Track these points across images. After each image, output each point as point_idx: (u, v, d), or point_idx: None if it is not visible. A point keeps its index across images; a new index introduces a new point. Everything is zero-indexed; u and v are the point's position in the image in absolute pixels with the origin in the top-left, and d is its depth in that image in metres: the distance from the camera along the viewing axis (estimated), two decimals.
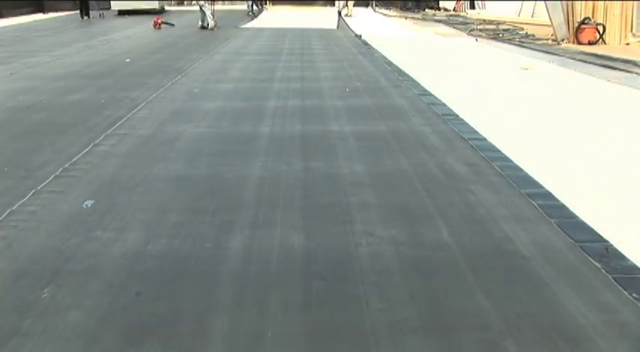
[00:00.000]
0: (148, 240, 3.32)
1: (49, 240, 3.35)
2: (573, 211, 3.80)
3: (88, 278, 2.92)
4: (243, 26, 18.04)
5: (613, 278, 2.93)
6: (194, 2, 17.52)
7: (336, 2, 23.28)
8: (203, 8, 16.93)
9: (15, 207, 3.81)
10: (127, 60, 10.53)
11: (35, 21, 20.39)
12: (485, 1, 24.91)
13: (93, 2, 21.18)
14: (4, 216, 3.67)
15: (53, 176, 4.39)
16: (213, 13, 17.05)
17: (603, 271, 3.00)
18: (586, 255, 3.18)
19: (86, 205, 3.84)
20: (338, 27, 18.02)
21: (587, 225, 3.60)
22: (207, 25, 16.85)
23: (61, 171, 4.51)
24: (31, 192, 4.05)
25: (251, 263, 3.08)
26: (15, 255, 3.18)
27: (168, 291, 2.81)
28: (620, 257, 3.17)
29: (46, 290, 2.80)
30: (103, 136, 5.47)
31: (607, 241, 3.36)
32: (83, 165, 4.68)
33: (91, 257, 3.14)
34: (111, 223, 3.56)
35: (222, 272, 2.99)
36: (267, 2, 25.76)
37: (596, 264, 3.08)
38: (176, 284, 2.87)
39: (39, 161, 4.79)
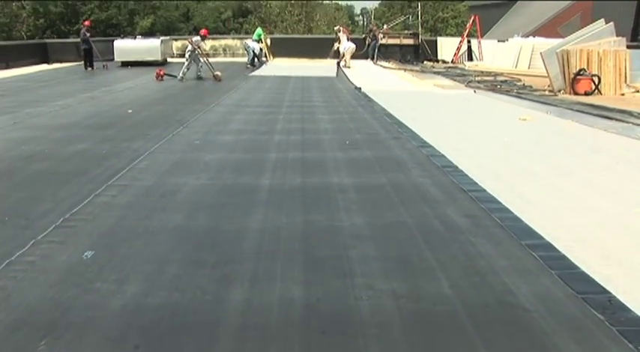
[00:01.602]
0: (147, 293, 3.30)
1: (48, 291, 3.34)
2: (574, 262, 3.80)
3: (86, 331, 2.89)
4: (244, 77, 18.26)
5: (617, 330, 2.91)
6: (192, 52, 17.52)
7: (341, 50, 23.57)
8: (192, 57, 17.13)
9: (14, 257, 3.81)
10: (130, 111, 10.63)
11: (40, 71, 20.66)
12: (483, 53, 25.34)
13: (97, 53, 21.47)
14: (2, 266, 3.66)
15: (53, 226, 4.40)
16: (201, 66, 17.23)
17: (607, 323, 2.98)
18: (588, 307, 3.16)
19: (86, 256, 3.83)
20: (338, 79, 18.25)
21: (588, 276, 3.59)
22: (184, 72, 16.99)
23: (62, 221, 4.52)
24: (31, 242, 4.05)
25: (251, 316, 3.06)
26: (13, 305, 3.16)
27: (167, 345, 2.79)
28: (624, 308, 3.15)
29: (43, 343, 2.78)
30: (104, 187, 5.49)
31: (609, 292, 3.35)
32: (84, 215, 4.69)
33: (89, 309, 3.12)
34: (110, 275, 3.54)
35: (221, 326, 2.97)
36: (270, 55, 26.12)
37: (600, 315, 3.06)
38: (175, 338, 2.85)
39: (39, 211, 4.80)
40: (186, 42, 27.01)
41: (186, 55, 17.31)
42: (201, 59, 17.38)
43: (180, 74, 16.88)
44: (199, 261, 3.79)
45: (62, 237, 4.20)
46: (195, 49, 17.17)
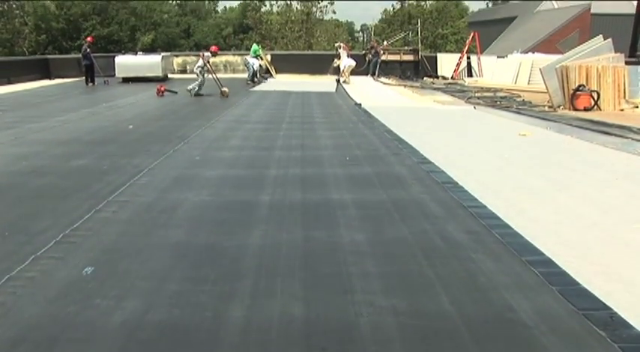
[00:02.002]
0: (147, 309, 3.30)
1: (48, 307, 3.34)
2: (575, 278, 3.79)
3: (85, 347, 2.89)
4: (244, 93, 18.31)
5: (619, 347, 2.90)
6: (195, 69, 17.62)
7: (341, 66, 23.64)
8: (202, 73, 17.17)
9: (14, 272, 3.80)
10: (130, 126, 10.65)
11: (41, 87, 20.72)
12: (482, 69, 25.44)
13: (98, 69, 21.53)
14: (2, 281, 3.66)
15: (54, 242, 4.40)
16: (202, 82, 17.27)
17: (609, 340, 2.97)
18: (590, 323, 3.15)
19: (86, 272, 3.83)
20: (338, 95, 18.30)
21: (589, 292, 3.59)
22: (194, 88, 16.98)
23: (62, 236, 4.52)
24: (31, 258, 4.05)
25: (251, 333, 3.05)
26: (12, 322, 3.15)
27: None
28: (626, 325, 3.14)
29: None
30: (104, 202, 5.49)
31: (611, 309, 3.34)
32: (84, 231, 4.69)
33: (89, 325, 3.12)
34: (110, 291, 3.54)
35: (221, 342, 2.96)
36: (272, 69, 26.18)
37: (601, 332, 3.05)
38: None
39: (40, 226, 4.80)
40: (187, 58, 27.38)
41: (197, 71, 17.32)
42: (205, 75, 17.41)
43: (191, 86, 16.92)
44: (199, 277, 3.78)
45: (62, 252, 4.20)
46: (205, 64, 17.24)
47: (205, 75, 17.39)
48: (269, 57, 26.84)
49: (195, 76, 17.53)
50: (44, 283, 3.68)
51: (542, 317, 3.22)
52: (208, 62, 17.54)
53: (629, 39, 21.07)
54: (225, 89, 17.07)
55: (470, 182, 6.40)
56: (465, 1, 47.04)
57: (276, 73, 26.37)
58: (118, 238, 4.56)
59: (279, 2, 47.04)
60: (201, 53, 18.47)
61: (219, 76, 18.04)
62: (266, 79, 24.41)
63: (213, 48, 18.80)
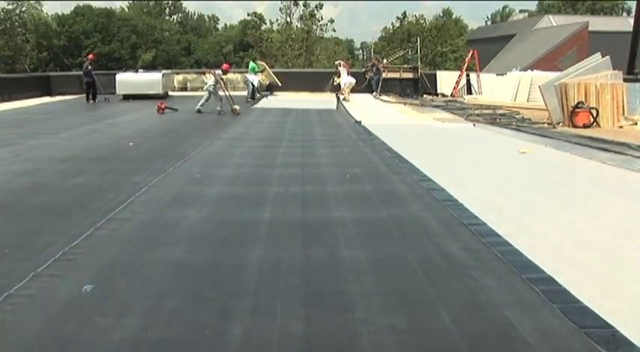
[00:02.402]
0: (146, 327, 3.28)
1: (46, 324, 3.32)
2: (576, 295, 3.78)
3: None
4: (245, 111, 18.33)
5: None
6: (203, 88, 17.67)
7: (341, 84, 23.70)
8: (213, 91, 17.18)
9: (13, 290, 3.79)
10: (131, 144, 10.66)
11: (43, 104, 20.76)
12: (482, 87, 25.53)
13: (99, 86, 21.56)
14: (1, 299, 3.65)
15: (53, 259, 4.39)
16: (222, 97, 17.28)
17: None
18: (592, 342, 3.13)
19: (85, 290, 3.82)
20: (338, 113, 18.35)
21: (591, 310, 3.57)
22: (221, 108, 17.01)
23: (61, 254, 4.51)
24: (30, 275, 4.04)
25: (250, 351, 3.03)
26: (10, 339, 3.14)
27: None
28: (628, 343, 3.13)
29: None
30: (104, 220, 5.48)
31: (613, 326, 3.32)
32: (84, 248, 4.68)
33: (88, 343, 3.11)
34: (110, 309, 3.53)
35: None
36: (277, 81, 26.20)
37: (603, 351, 3.03)
38: None
39: (39, 243, 4.79)
40: (188, 76, 27.46)
41: (210, 89, 17.32)
42: (220, 93, 17.42)
43: (199, 106, 16.95)
44: (199, 295, 3.77)
45: (62, 270, 4.19)
46: (216, 82, 17.29)
47: (221, 92, 17.41)
48: (270, 70, 26.88)
49: (204, 94, 17.55)
50: (43, 301, 3.66)
51: (543, 336, 3.21)
52: (222, 79, 17.61)
53: (627, 56, 21.20)
54: (236, 107, 17.09)
55: (470, 199, 6.40)
56: None
57: (275, 90, 26.41)
58: (117, 256, 4.55)
59: (279, 20, 47.44)
60: (212, 71, 18.47)
61: (220, 93, 18.04)
62: (266, 95, 24.44)
63: (225, 66, 18.86)
